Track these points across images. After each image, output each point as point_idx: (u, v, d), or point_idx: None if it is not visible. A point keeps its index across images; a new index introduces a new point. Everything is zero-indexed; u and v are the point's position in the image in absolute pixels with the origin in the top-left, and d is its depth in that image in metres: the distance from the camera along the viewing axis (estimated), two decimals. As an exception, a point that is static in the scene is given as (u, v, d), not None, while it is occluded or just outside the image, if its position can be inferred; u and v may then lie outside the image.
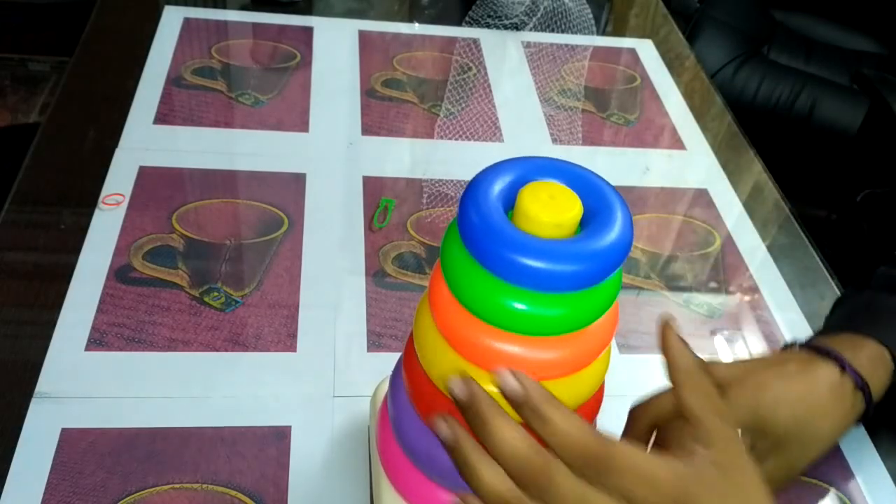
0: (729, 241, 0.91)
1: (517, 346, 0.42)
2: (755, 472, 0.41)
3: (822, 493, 0.67)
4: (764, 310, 0.83)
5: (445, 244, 0.44)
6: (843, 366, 0.56)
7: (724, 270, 0.87)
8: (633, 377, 0.73)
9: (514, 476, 0.39)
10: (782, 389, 0.54)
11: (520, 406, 0.40)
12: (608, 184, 0.44)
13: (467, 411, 0.41)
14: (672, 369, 0.44)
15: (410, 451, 0.52)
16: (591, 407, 0.49)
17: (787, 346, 0.62)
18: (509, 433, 0.39)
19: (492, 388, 0.42)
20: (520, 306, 0.41)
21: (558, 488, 0.38)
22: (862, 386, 0.56)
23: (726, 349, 0.79)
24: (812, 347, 0.59)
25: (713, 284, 0.85)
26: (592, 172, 0.44)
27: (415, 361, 0.48)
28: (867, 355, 0.57)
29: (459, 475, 0.41)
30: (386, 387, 0.57)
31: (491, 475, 0.39)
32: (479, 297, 0.42)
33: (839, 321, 0.65)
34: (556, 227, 0.40)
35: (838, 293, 0.86)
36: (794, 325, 0.82)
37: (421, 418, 0.49)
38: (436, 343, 0.46)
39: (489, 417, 0.40)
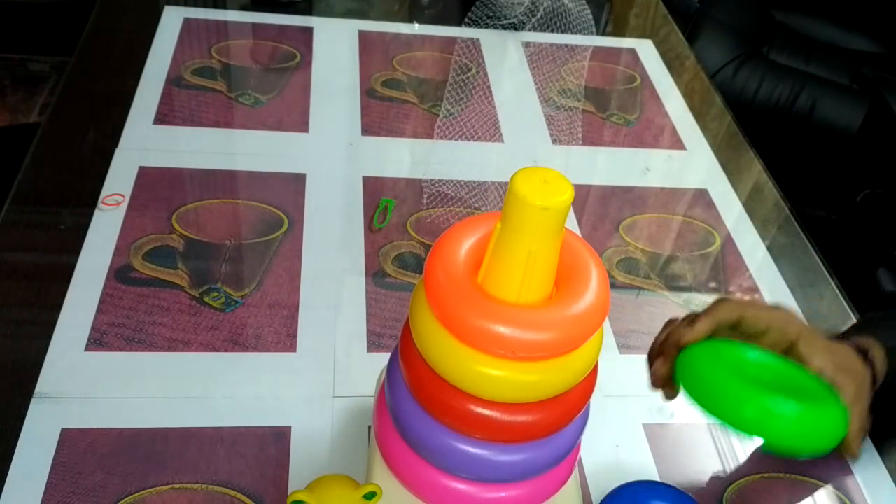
0: (729, 241, 0.91)
1: (510, 328, 0.43)
2: None
3: (823, 493, 0.68)
4: (764, 310, 0.83)
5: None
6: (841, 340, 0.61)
7: (724, 270, 0.87)
8: (633, 377, 0.73)
9: None
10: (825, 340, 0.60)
11: None
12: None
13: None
14: None
15: (408, 436, 0.52)
16: (584, 388, 0.49)
17: None
18: None
19: (484, 370, 0.44)
20: None
21: None
22: (863, 351, 0.60)
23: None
24: None
25: (713, 284, 0.85)
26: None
27: (412, 348, 0.49)
28: (860, 340, 0.62)
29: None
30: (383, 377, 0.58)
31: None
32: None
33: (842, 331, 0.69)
34: (545, 211, 0.42)
35: (838, 293, 0.86)
36: (794, 325, 0.82)
37: (420, 404, 0.50)
38: (432, 329, 0.46)
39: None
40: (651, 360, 0.58)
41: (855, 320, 0.83)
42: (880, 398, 0.62)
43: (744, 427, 0.49)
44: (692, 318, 0.57)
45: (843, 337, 0.65)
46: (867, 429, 0.55)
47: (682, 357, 0.54)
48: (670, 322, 0.60)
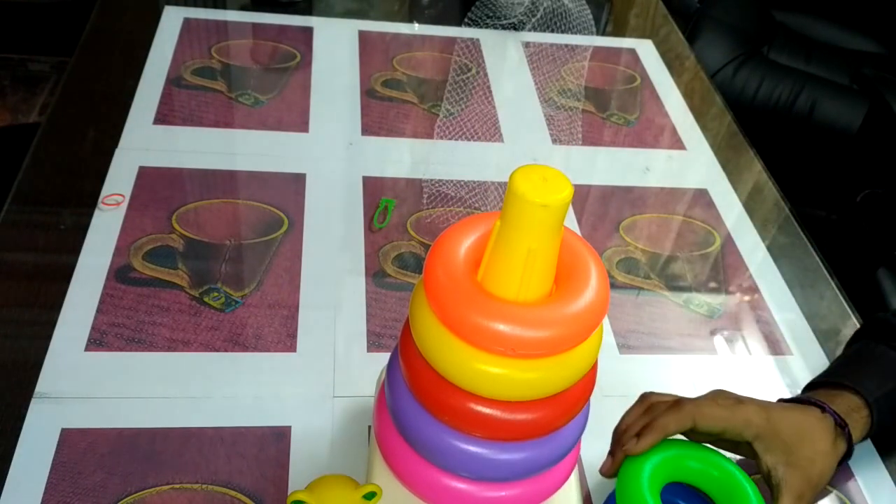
0: (729, 241, 0.91)
1: (509, 325, 0.44)
2: None
3: (822, 493, 0.67)
4: (764, 310, 0.83)
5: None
6: (822, 407, 0.62)
7: (724, 270, 0.87)
8: (633, 377, 0.73)
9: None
10: (782, 408, 0.62)
11: None
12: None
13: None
14: None
15: (408, 435, 0.52)
16: (583, 387, 0.49)
17: None
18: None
19: (484, 367, 0.45)
20: None
21: None
22: (841, 424, 0.62)
23: (726, 349, 0.79)
24: (792, 399, 0.65)
25: (713, 284, 0.85)
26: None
27: (412, 347, 0.49)
28: (843, 403, 0.63)
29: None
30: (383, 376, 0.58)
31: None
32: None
33: (821, 376, 0.69)
34: (544, 208, 0.42)
35: (838, 293, 0.86)
36: (794, 325, 0.82)
37: (419, 403, 0.50)
38: (432, 327, 0.46)
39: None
40: (614, 435, 0.60)
41: (854, 320, 0.83)
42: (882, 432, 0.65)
43: None
44: (645, 423, 0.58)
45: (825, 385, 0.66)
46: None
47: (624, 468, 0.57)
48: (645, 396, 0.62)
